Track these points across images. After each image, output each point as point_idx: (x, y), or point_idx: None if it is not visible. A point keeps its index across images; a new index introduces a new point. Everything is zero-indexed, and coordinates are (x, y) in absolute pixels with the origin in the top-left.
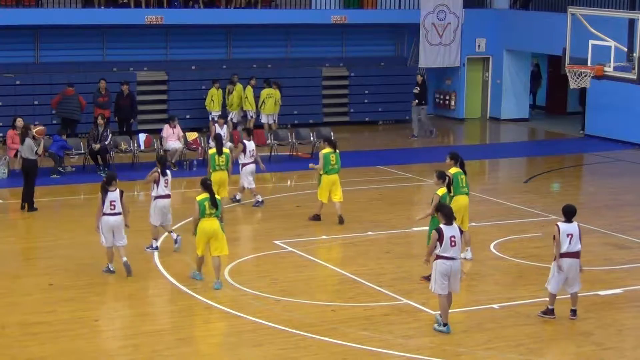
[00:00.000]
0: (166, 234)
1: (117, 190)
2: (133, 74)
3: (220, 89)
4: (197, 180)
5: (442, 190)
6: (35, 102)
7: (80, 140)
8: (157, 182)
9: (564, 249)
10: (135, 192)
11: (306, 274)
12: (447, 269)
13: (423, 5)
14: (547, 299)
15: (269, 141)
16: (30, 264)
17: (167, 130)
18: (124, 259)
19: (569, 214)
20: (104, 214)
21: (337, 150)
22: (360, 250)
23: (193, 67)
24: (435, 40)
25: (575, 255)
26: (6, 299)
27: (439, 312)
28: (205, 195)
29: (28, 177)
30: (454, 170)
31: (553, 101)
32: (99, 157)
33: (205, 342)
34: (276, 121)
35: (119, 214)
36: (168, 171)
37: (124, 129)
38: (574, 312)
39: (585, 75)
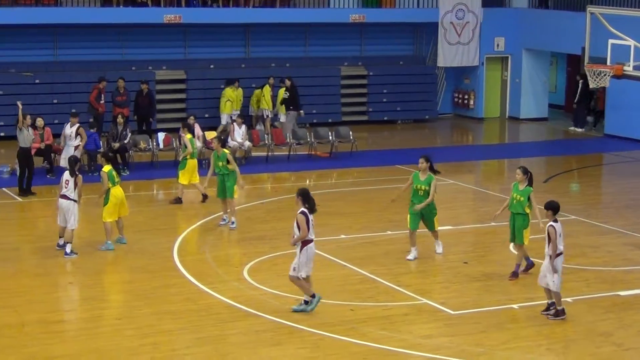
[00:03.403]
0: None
1: None
2: (152, 72)
3: (240, 88)
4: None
5: (530, 189)
6: (55, 101)
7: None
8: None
9: (561, 248)
10: (154, 191)
11: (325, 273)
12: (314, 252)
13: (442, 4)
14: (552, 300)
15: (287, 140)
16: (49, 263)
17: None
18: None
19: (557, 210)
20: None
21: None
22: (379, 249)
23: (211, 66)
24: (453, 39)
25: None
26: (26, 297)
27: (304, 296)
28: (110, 166)
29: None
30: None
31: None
32: (118, 156)
33: (224, 341)
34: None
35: None
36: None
37: (143, 128)
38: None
39: (605, 75)
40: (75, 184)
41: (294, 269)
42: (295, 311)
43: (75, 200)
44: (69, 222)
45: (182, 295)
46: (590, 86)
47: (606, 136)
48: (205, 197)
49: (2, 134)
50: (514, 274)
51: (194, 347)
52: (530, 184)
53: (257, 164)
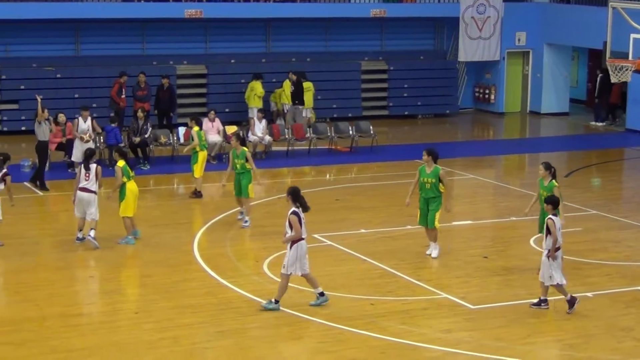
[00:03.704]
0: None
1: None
2: (173, 67)
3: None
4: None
5: (556, 183)
6: (76, 96)
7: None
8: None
9: (560, 241)
10: (175, 185)
11: (345, 267)
12: (306, 249)
13: None
14: (545, 296)
15: (308, 135)
16: (70, 256)
17: (206, 123)
18: None
19: (557, 205)
20: None
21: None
22: (399, 244)
23: (232, 61)
24: (475, 34)
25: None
26: (47, 291)
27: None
28: (124, 161)
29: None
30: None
31: (594, 95)
32: (139, 150)
33: (244, 335)
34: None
35: None
36: (92, 166)
37: (164, 123)
38: (546, 301)
39: (627, 69)
40: (97, 176)
41: (284, 267)
42: (312, 306)
43: (96, 192)
44: (92, 213)
45: (202, 289)
46: (612, 81)
47: (627, 131)
48: (199, 193)
49: (23, 128)
50: None
51: (214, 340)
52: (554, 178)
53: (277, 159)
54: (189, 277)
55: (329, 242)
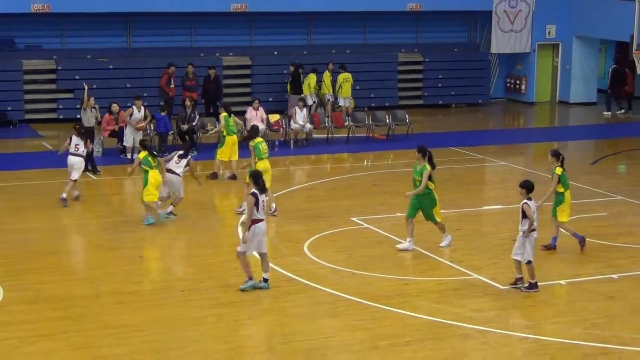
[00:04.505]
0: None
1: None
2: (219, 59)
3: (302, 74)
4: (278, 160)
5: (559, 170)
6: (128, 85)
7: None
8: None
9: (535, 224)
10: (221, 171)
11: (381, 249)
12: (264, 229)
13: None
14: (520, 275)
15: (347, 123)
16: (122, 237)
17: (250, 112)
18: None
19: (531, 190)
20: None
21: (232, 115)
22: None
23: (275, 53)
24: (506, 26)
25: None
26: (100, 270)
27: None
28: (145, 152)
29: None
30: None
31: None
32: (187, 137)
33: (285, 313)
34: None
35: (81, 155)
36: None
37: (211, 111)
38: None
39: None
40: (188, 162)
41: (240, 246)
42: (243, 290)
43: (180, 175)
44: (177, 192)
45: None
46: (638, 72)
47: None
48: (233, 176)
49: (78, 116)
50: (547, 247)
51: (256, 317)
52: (560, 165)
53: (317, 146)
54: (233, 257)
55: (366, 225)
